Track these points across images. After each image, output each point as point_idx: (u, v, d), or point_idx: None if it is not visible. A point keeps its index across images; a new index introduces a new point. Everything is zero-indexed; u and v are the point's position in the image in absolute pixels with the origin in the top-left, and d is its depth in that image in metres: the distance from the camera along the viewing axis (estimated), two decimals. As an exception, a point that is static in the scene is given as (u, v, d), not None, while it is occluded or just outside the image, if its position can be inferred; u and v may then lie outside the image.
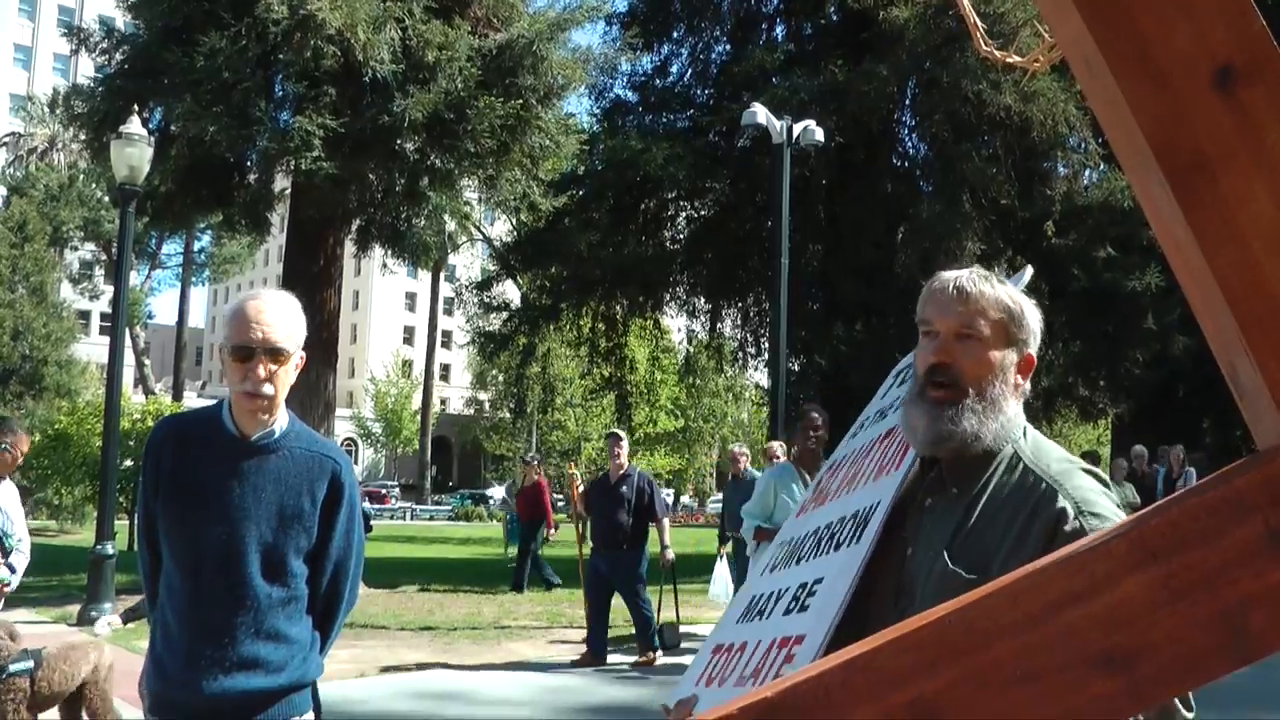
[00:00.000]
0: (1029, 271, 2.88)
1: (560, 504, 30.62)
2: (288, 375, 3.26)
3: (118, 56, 17.46)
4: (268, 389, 3.20)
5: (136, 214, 15.98)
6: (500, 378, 57.84)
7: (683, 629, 12.52)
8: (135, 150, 14.71)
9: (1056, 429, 33.79)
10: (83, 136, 18.42)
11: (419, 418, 68.96)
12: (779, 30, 25.60)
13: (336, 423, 20.24)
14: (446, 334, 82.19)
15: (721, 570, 13.15)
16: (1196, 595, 0.92)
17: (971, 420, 2.13)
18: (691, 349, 31.89)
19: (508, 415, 61.94)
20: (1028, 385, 2.27)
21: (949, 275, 2.24)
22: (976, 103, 20.11)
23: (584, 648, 12.09)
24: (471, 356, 62.24)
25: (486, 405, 79.82)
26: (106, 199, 48.70)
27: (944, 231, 20.67)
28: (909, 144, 25.31)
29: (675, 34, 25.38)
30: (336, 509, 3.40)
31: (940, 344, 2.20)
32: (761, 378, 37.72)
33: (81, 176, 51.81)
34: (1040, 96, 20.10)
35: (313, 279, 17.44)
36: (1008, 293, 2.22)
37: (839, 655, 1.01)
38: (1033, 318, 2.24)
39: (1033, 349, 2.24)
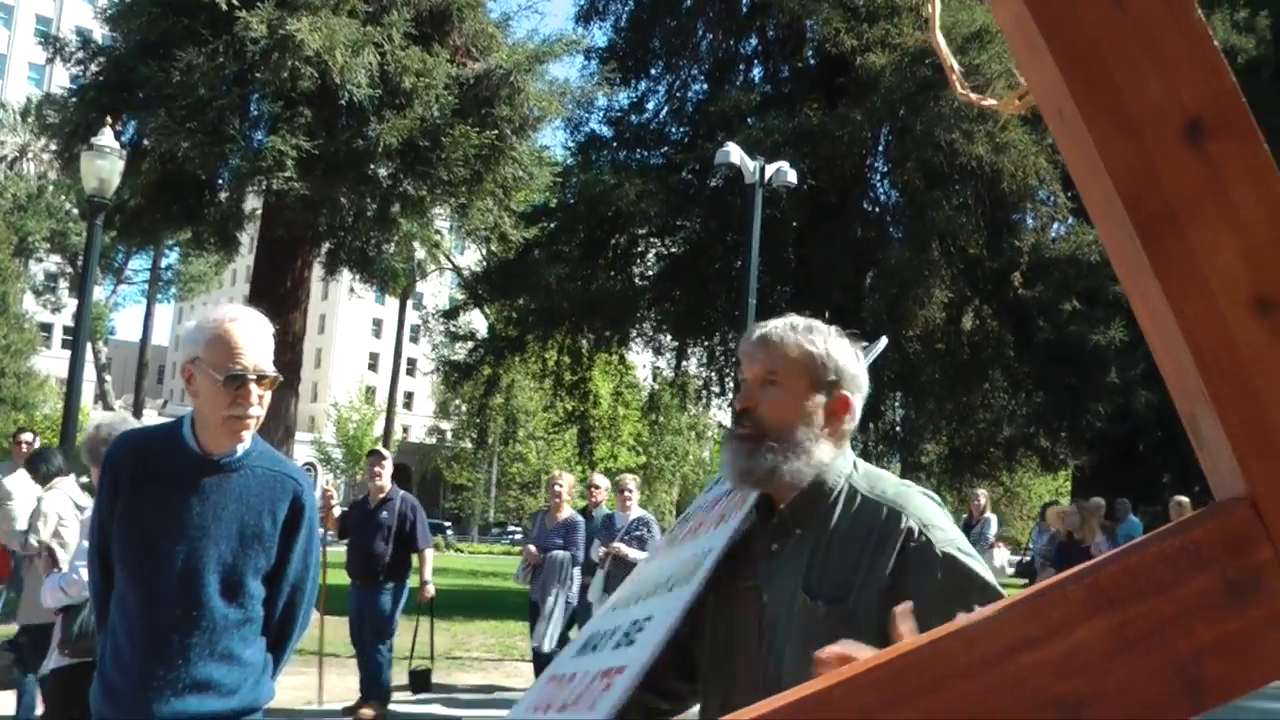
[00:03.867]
0: (882, 342, 2.98)
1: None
2: (268, 397, 3.28)
3: (93, 68, 17.41)
4: (258, 412, 3.21)
5: (104, 227, 15.88)
6: (463, 408, 57.68)
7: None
8: (106, 163, 14.60)
9: (1017, 478, 33.96)
10: (54, 147, 18.33)
11: (380, 445, 68.77)
12: (756, 71, 25.78)
13: (296, 446, 20.17)
14: (411, 361, 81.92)
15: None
16: (1151, 644, 0.92)
17: (768, 458, 2.25)
18: (656, 386, 31.90)
19: (469, 445, 61.79)
20: (850, 425, 2.37)
21: (758, 326, 2.39)
22: (948, 151, 20.27)
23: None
24: (435, 385, 62.02)
25: (449, 435, 79.57)
26: (75, 211, 48.39)
27: (912, 278, 20.79)
28: (880, 190, 25.50)
29: (653, 71, 25.51)
30: (296, 530, 3.38)
31: (746, 391, 2.35)
32: (725, 417, 37.76)
33: (50, 187, 51.42)
34: (1011, 148, 20.28)
35: (280, 300, 17.33)
36: (814, 339, 2.33)
37: (791, 694, 1.00)
38: (844, 360, 2.34)
39: (848, 391, 2.34)
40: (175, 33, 15.64)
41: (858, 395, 2.37)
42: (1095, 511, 14.54)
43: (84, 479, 10.79)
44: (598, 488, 11.86)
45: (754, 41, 25.72)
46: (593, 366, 27.88)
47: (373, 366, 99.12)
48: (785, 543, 2.31)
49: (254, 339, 3.21)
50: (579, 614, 11.21)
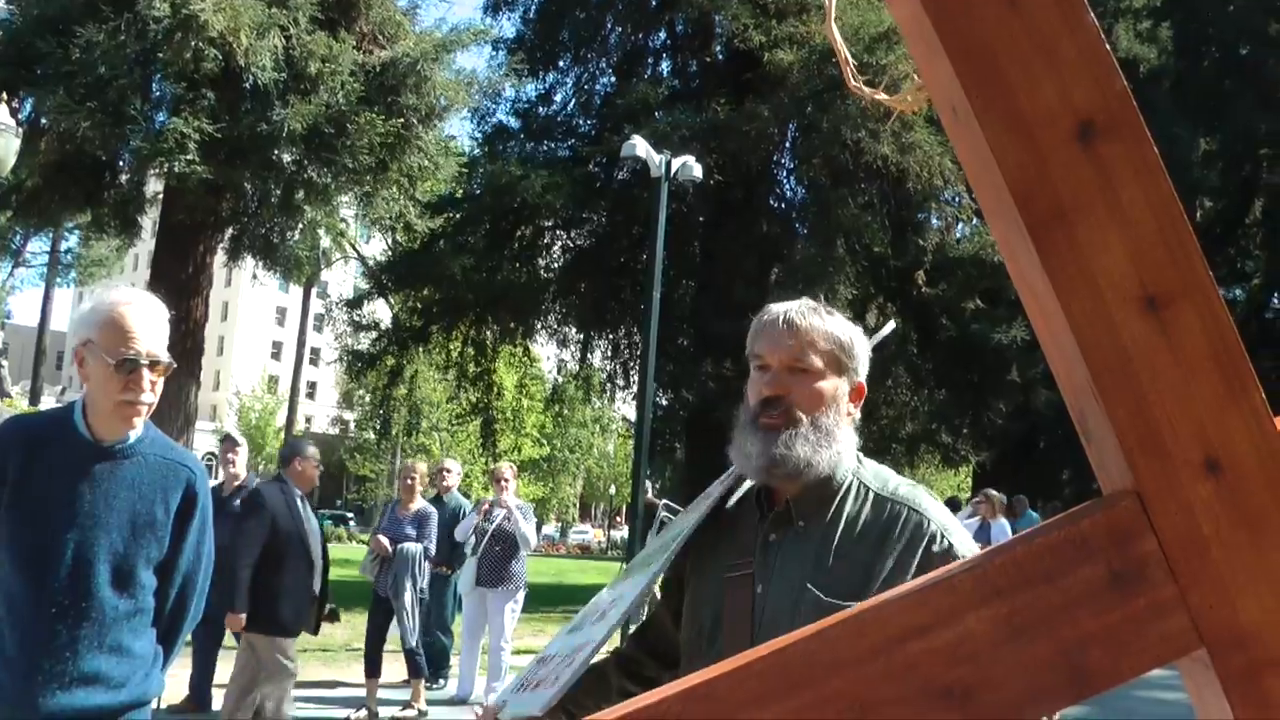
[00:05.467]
0: (890, 325, 2.97)
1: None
2: (161, 383, 3.21)
3: (-11, 42, 16.97)
4: (150, 399, 3.15)
5: (1, 208, 15.51)
6: (367, 398, 57.20)
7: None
8: (2, 141, 14.19)
9: (919, 474, 34.36)
10: (-54, 123, 17.82)
11: (282, 435, 67.91)
12: (665, 65, 25.85)
13: (197, 435, 19.82)
14: (315, 351, 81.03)
15: None
16: (1037, 632, 0.94)
17: (805, 448, 2.18)
18: (560, 378, 31.87)
19: (372, 436, 61.30)
20: (858, 413, 2.33)
21: (778, 308, 2.29)
22: (855, 150, 20.43)
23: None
24: (339, 375, 61.45)
25: (352, 425, 78.86)
26: (-32, 191, 47.21)
27: (817, 274, 20.92)
28: (787, 186, 25.63)
29: (561, 63, 25.46)
30: (189, 520, 3.32)
31: (773, 377, 2.24)
32: (629, 410, 37.86)
33: (-56, 166, 50.14)
34: (917, 148, 20.49)
35: (180, 286, 17.02)
36: (836, 323, 2.28)
37: (681, 683, 1.01)
38: (861, 347, 2.30)
39: (862, 377, 2.31)
40: (75, 8, 15.28)
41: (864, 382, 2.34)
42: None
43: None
44: (506, 481, 11.28)
45: (663, 35, 25.75)
46: (497, 358, 27.77)
47: (275, 355, 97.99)
48: (786, 534, 2.26)
49: (148, 323, 3.15)
50: (431, 606, 11.06)
